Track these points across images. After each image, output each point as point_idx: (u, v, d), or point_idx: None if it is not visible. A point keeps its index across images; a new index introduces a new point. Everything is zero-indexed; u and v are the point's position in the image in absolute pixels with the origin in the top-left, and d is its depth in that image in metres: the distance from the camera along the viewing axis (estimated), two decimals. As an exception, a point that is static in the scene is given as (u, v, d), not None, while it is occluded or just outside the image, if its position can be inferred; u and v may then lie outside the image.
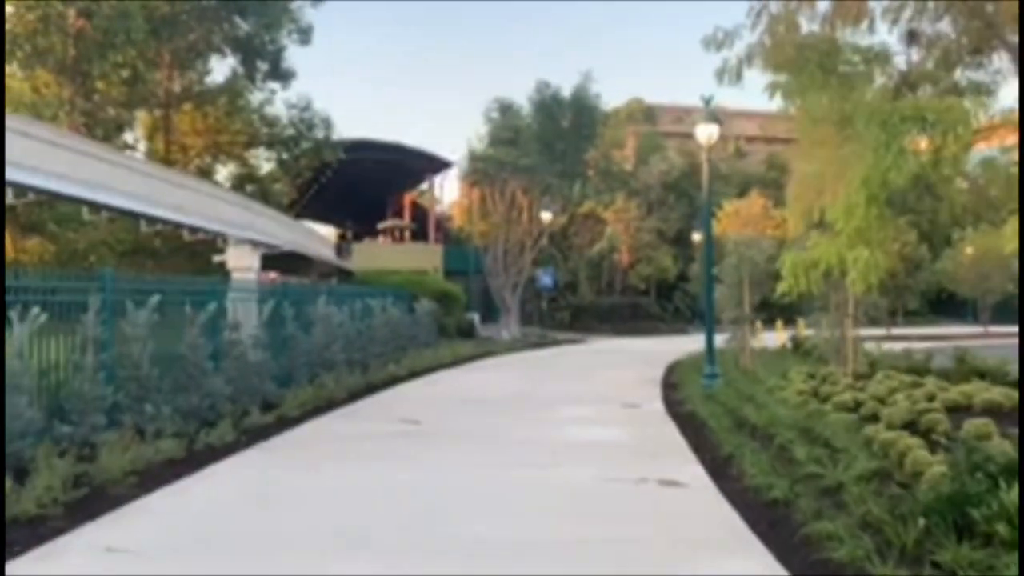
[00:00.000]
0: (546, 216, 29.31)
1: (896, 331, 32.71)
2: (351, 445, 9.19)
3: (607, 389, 14.89)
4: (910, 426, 9.01)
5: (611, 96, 46.82)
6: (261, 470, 7.83)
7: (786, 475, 6.81)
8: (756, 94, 9.89)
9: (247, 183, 33.15)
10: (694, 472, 7.59)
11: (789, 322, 28.35)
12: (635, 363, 20.95)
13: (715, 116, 13.83)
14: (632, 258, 42.50)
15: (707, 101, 13.90)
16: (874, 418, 9.53)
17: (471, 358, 21.18)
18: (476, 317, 32.78)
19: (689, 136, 55.37)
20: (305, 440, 9.53)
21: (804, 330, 20.65)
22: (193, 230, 19.36)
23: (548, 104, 43.12)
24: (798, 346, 22.29)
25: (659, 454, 8.72)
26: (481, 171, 30.82)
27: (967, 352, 13.72)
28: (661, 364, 19.96)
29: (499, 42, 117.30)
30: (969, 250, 44.74)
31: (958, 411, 10.08)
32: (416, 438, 9.63)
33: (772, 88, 9.94)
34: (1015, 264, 45.14)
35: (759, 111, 63.52)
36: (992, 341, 31.44)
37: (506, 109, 41.88)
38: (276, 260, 24.86)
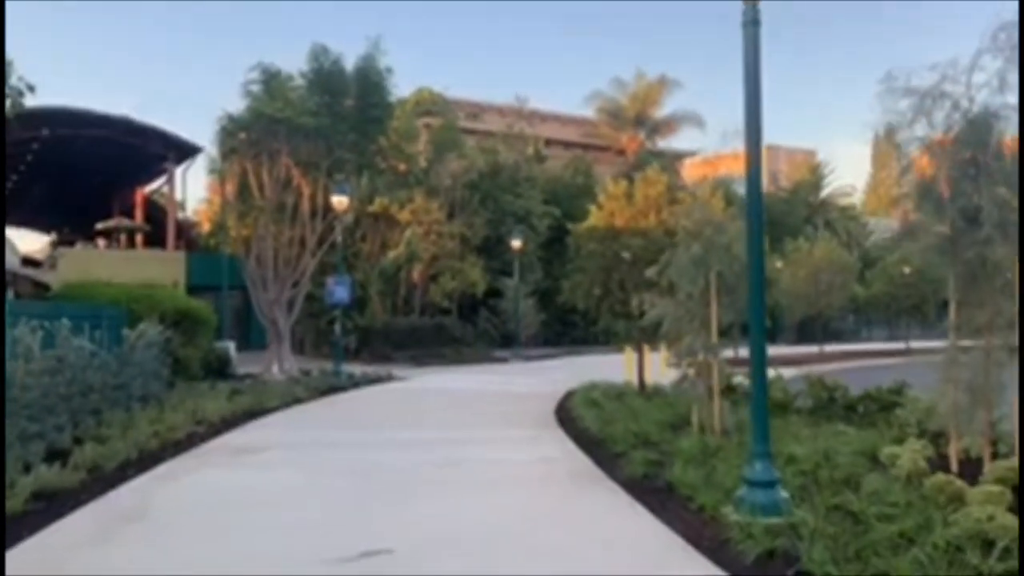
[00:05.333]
0: (340, 201, 20.62)
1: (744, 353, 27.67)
2: None
3: (556, 518, 7.05)
4: None
5: (399, 83, 38.43)
6: None
7: None
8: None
9: None
10: None
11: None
12: (507, 422, 13.25)
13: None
14: (433, 269, 34.74)
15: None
16: None
17: (227, 425, 12.23)
18: (231, 347, 23.30)
19: (489, 134, 49.19)
20: None
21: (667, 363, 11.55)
22: None
23: (327, 76, 34.19)
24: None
25: None
26: (243, 142, 21.49)
27: None
28: (545, 423, 12.76)
29: (266, 22, 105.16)
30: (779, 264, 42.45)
31: None
32: None
33: None
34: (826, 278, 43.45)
35: (557, 113, 59.19)
36: (834, 365, 27.51)
37: (272, 79, 32.26)
38: None
